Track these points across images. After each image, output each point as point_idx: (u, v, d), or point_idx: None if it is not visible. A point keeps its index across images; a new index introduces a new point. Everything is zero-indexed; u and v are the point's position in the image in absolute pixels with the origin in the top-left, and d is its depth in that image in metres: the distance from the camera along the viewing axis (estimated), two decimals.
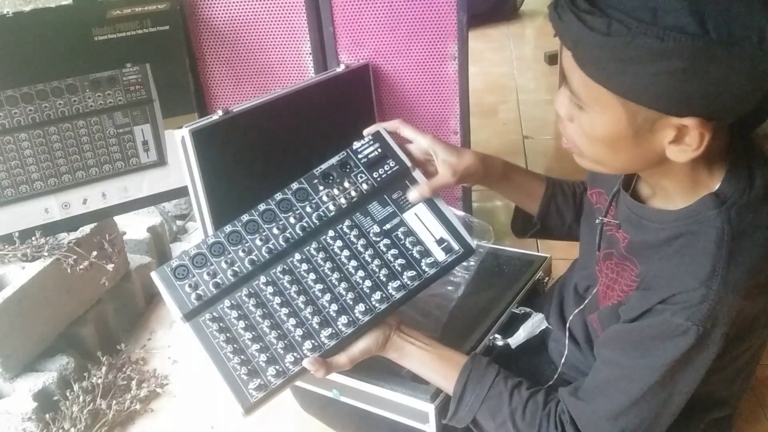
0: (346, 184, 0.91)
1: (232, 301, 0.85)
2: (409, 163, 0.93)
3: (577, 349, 0.93)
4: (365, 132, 0.96)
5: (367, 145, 0.94)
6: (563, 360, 0.93)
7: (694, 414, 0.81)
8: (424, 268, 0.88)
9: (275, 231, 0.89)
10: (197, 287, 0.85)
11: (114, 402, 1.34)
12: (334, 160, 0.93)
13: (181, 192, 1.49)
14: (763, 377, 1.26)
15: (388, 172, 0.92)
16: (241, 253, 0.87)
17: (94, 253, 1.41)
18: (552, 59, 2.99)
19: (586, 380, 0.79)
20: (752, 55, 0.57)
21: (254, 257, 0.87)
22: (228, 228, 0.89)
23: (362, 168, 0.92)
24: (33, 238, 1.36)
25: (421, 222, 0.90)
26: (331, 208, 0.90)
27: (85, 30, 1.32)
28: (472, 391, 0.83)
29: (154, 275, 0.87)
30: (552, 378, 0.94)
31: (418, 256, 0.88)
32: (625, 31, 0.58)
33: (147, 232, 1.75)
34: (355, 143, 0.94)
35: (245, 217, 0.89)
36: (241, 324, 0.84)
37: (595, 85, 0.64)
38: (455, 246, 0.89)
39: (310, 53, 1.44)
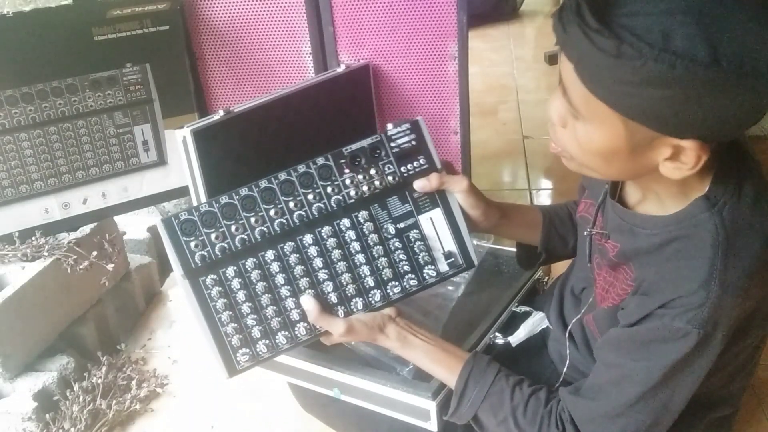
0: (372, 172, 0.87)
1: (237, 268, 0.83)
2: (439, 165, 0.89)
3: (576, 350, 0.94)
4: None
5: (402, 134, 0.88)
6: (567, 364, 0.93)
7: (695, 413, 0.81)
8: (425, 275, 0.89)
9: (291, 205, 0.85)
10: (203, 247, 0.82)
11: (114, 402, 1.34)
12: (365, 143, 0.87)
13: (181, 192, 1.49)
14: (763, 378, 1.27)
15: (417, 169, 0.88)
16: (252, 221, 0.84)
17: (94, 253, 1.41)
18: (552, 59, 2.99)
19: (586, 380, 0.79)
20: (760, 85, 0.57)
21: (265, 229, 0.84)
22: (243, 191, 0.84)
23: (392, 158, 0.88)
24: (33, 238, 1.36)
25: (434, 229, 0.89)
26: (352, 194, 0.86)
27: (85, 30, 1.32)
28: (474, 387, 0.83)
29: (160, 224, 0.81)
30: (552, 378, 0.94)
31: (422, 262, 0.88)
32: (636, 55, 0.56)
33: (147, 232, 1.75)
34: (390, 127, 0.89)
35: (263, 183, 0.85)
36: (243, 292, 0.83)
37: (596, 100, 0.63)
38: (460, 261, 0.89)
39: (310, 53, 1.44)
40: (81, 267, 1.37)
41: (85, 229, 1.43)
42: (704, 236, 0.68)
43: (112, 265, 1.45)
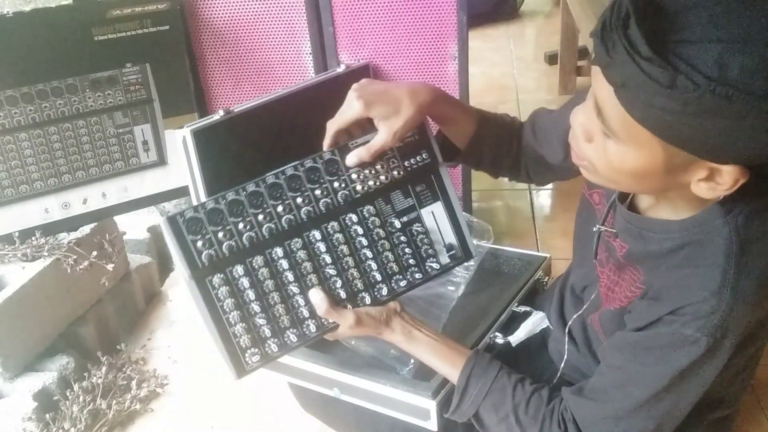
0: (378, 167, 0.87)
1: (246, 267, 0.82)
2: (440, 158, 0.90)
3: (576, 350, 0.93)
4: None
5: None
6: (564, 360, 0.93)
7: (695, 414, 0.80)
8: (428, 268, 0.90)
9: (299, 201, 0.84)
10: (210, 246, 0.79)
11: (114, 402, 1.34)
12: (370, 137, 0.86)
13: (181, 192, 1.49)
14: (763, 377, 1.27)
15: (420, 164, 0.89)
16: (260, 218, 0.82)
17: (94, 253, 1.41)
18: (552, 59, 2.98)
19: (590, 381, 0.79)
20: None
21: (273, 225, 0.82)
22: (250, 187, 0.82)
23: (396, 152, 0.88)
24: (33, 238, 1.36)
25: (436, 222, 0.90)
26: (359, 189, 0.86)
27: (85, 30, 1.32)
28: (475, 383, 0.83)
29: (164, 223, 0.78)
30: (553, 379, 0.94)
31: (425, 255, 0.90)
32: (692, 87, 0.53)
33: (147, 232, 1.75)
34: None
35: (270, 179, 0.83)
36: (252, 291, 0.82)
37: (636, 124, 0.60)
38: (459, 253, 0.91)
39: (310, 53, 1.44)
40: (81, 267, 1.37)
41: (85, 229, 1.43)
42: (717, 243, 0.67)
43: (112, 265, 1.45)
